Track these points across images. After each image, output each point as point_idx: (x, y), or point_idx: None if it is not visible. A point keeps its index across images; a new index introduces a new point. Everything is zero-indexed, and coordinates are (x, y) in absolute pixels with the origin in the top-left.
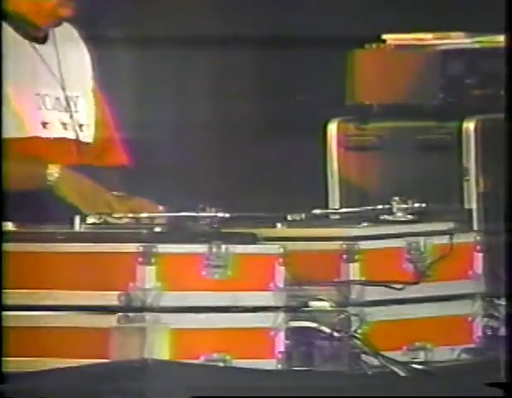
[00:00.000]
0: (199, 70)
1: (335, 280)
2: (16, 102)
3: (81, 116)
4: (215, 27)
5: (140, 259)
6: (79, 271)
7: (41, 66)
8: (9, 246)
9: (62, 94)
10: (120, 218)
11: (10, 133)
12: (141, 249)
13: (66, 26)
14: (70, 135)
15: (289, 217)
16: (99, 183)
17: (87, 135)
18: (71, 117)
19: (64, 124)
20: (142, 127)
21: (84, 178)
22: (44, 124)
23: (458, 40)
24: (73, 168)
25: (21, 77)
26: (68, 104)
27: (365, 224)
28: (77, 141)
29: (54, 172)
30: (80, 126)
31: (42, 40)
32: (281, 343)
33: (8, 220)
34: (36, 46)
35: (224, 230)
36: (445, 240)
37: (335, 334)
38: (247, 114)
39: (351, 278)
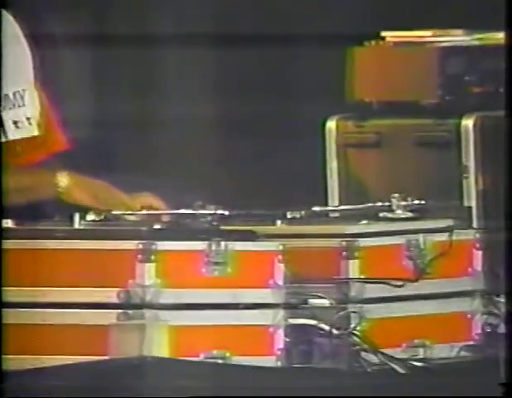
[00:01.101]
0: (199, 68)
1: (335, 277)
2: None
3: (28, 110)
4: (216, 25)
5: (139, 257)
6: (78, 268)
7: None
8: (9, 243)
9: (8, 91)
10: (122, 215)
11: None
12: (140, 246)
13: (8, 21)
14: (23, 133)
15: (289, 215)
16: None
17: (34, 128)
18: (20, 112)
19: (15, 123)
20: (142, 126)
21: (94, 179)
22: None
23: (457, 37)
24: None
25: None
26: (16, 99)
27: (365, 221)
28: (29, 137)
29: (63, 179)
30: (28, 119)
31: None
32: (280, 340)
33: (8, 218)
34: None
35: (223, 228)
36: (444, 237)
37: (335, 331)
38: (246, 112)
39: (351, 275)
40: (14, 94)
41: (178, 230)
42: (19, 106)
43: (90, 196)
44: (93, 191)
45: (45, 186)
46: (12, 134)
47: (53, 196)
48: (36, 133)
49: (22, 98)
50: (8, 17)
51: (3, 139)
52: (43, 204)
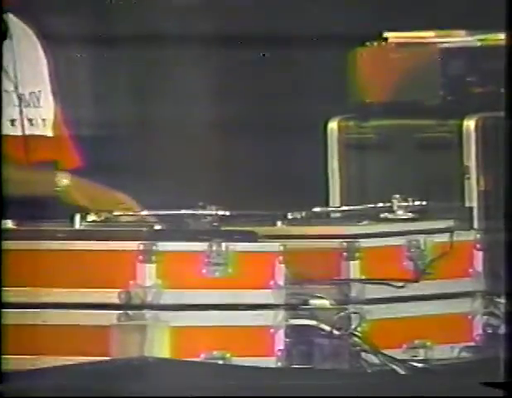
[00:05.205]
0: (200, 69)
1: (336, 278)
2: None
3: (43, 111)
4: (218, 26)
5: (140, 257)
6: (79, 269)
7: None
8: (9, 244)
9: (25, 91)
10: (122, 216)
11: None
12: (141, 247)
13: (20, 24)
14: (36, 130)
15: (289, 215)
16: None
17: (49, 130)
18: (35, 112)
19: (30, 120)
20: (143, 126)
21: (92, 182)
22: (12, 122)
23: (459, 38)
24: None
25: None
26: (32, 99)
27: (366, 222)
28: (41, 136)
29: (63, 179)
30: (43, 120)
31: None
32: (281, 341)
33: (8, 218)
34: None
35: (224, 228)
36: (445, 238)
37: (335, 332)
38: (247, 112)
39: (351, 276)
40: (30, 94)
41: (179, 230)
42: (35, 106)
43: (87, 198)
44: (90, 193)
45: (44, 183)
46: (28, 130)
47: (51, 193)
48: (49, 133)
49: (38, 99)
50: (20, 22)
51: (12, 133)
52: (43, 201)
